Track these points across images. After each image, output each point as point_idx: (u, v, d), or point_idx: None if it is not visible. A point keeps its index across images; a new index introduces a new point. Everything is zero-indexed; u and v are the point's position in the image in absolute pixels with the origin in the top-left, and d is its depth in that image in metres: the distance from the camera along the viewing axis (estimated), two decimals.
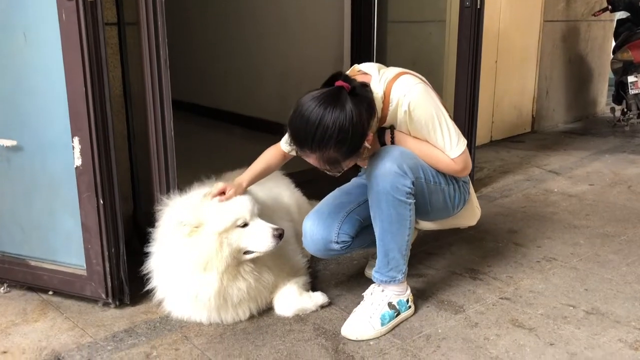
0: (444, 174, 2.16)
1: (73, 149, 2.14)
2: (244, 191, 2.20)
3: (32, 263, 2.38)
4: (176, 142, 2.28)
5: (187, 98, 5.98)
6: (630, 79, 4.68)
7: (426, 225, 2.45)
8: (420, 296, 2.36)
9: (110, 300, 2.27)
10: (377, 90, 2.06)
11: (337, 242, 2.19)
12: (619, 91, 5.06)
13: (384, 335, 2.10)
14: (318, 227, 2.21)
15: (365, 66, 2.19)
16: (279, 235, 2.10)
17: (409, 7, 4.35)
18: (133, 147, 2.82)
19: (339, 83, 1.92)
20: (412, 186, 2.03)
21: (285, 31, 5.10)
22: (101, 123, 2.12)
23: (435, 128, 2.06)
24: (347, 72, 2.19)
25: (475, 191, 2.53)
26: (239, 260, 2.11)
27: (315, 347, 2.03)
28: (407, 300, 2.19)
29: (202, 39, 5.98)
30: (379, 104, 2.06)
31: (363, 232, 2.27)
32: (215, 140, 5.34)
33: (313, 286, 2.42)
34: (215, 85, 5.89)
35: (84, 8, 1.99)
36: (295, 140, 1.95)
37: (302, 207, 2.77)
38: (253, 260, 2.15)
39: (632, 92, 4.71)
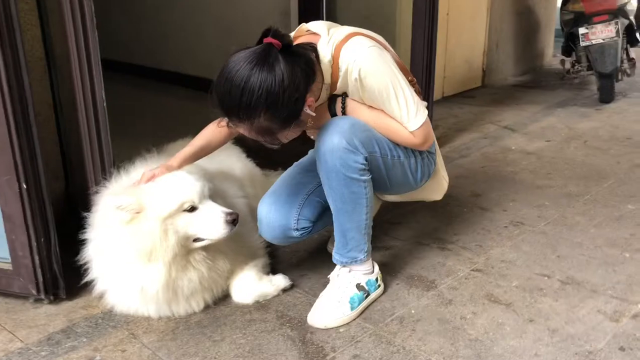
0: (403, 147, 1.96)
1: None
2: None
3: None
4: (109, 108, 1.98)
5: (120, 57, 5.52)
6: (581, 30, 4.58)
7: (388, 197, 2.27)
8: (388, 272, 2.19)
9: (42, 296, 2.00)
10: (325, 54, 1.82)
11: (297, 229, 1.99)
12: (569, 43, 4.97)
13: (354, 319, 1.92)
14: (275, 214, 1.99)
15: (314, 25, 1.92)
16: (233, 221, 1.86)
17: None
18: (60, 117, 2.48)
19: (267, 40, 1.66)
20: (364, 162, 1.82)
21: None
22: (17, 93, 1.80)
23: (390, 97, 1.82)
24: (294, 33, 1.93)
25: None
26: (188, 248, 1.87)
27: (280, 339, 1.84)
28: (377, 280, 2.02)
29: None
30: (327, 69, 1.83)
31: (324, 215, 2.06)
32: (155, 103, 4.95)
33: (273, 268, 2.21)
34: (152, 42, 5.44)
35: None
36: (221, 107, 1.69)
37: (255, 179, 2.53)
38: (205, 248, 1.91)
39: (582, 44, 4.62)
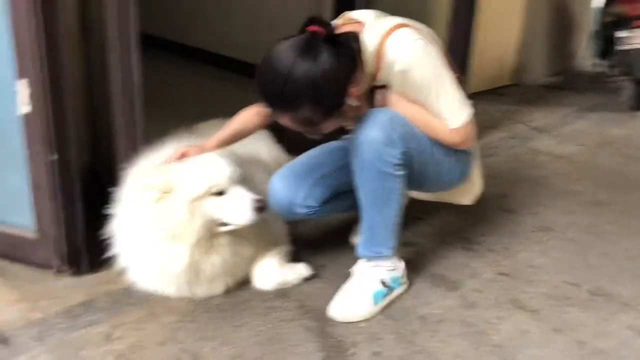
0: (442, 144, 1.91)
1: (19, 94, 1.79)
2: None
3: None
4: (145, 84, 1.96)
5: (160, 33, 5.47)
6: (621, 34, 4.46)
7: (417, 194, 2.23)
8: (411, 269, 2.15)
9: (65, 268, 1.99)
10: (369, 43, 1.78)
11: (303, 206, 1.97)
12: (606, 46, 4.85)
13: (376, 315, 1.89)
14: (284, 187, 1.98)
15: (360, 13, 1.88)
16: (260, 208, 1.83)
17: None
18: (92, 88, 2.47)
19: (311, 28, 1.62)
20: (401, 157, 1.78)
21: None
22: (54, 62, 1.77)
23: (432, 93, 1.78)
24: (338, 21, 1.89)
25: None
26: (213, 232, 1.85)
27: (300, 329, 1.82)
28: (401, 277, 1.98)
29: None
30: (370, 60, 1.78)
31: (338, 199, 2.04)
32: (192, 83, 4.89)
33: (294, 256, 2.18)
34: (182, 17, 5.39)
35: None
36: (264, 97, 1.67)
37: (283, 165, 2.49)
38: (229, 232, 1.88)
39: (621, 47, 4.50)
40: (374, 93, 1.85)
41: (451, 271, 2.18)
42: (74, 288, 1.97)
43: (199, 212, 1.80)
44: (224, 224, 1.85)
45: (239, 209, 1.83)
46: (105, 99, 2.05)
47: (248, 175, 2.11)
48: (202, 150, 1.90)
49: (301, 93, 1.59)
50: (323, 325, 1.84)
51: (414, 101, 1.82)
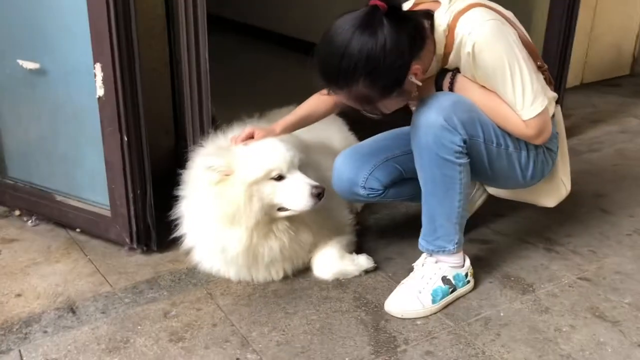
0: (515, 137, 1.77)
1: (95, 77, 1.89)
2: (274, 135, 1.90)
3: (58, 198, 2.21)
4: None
5: (245, 19, 5.59)
6: None
7: (493, 191, 2.10)
8: (483, 268, 2.03)
9: (135, 246, 2.08)
10: (441, 22, 1.67)
11: (364, 187, 1.90)
12: None
13: (435, 313, 1.80)
14: (347, 166, 1.92)
15: None
16: (318, 194, 1.80)
17: None
18: (176, 74, 2.55)
19: (373, 2, 1.54)
20: (462, 144, 1.66)
21: None
22: (126, 48, 1.85)
23: (506, 78, 1.64)
24: None
25: None
26: (272, 216, 1.84)
27: (352, 322, 1.77)
28: (466, 275, 1.87)
29: None
30: (441, 39, 1.68)
31: (402, 185, 1.97)
32: (272, 66, 4.95)
33: (360, 245, 2.13)
34: (272, 4, 5.44)
35: None
36: (320, 72, 1.62)
37: None
38: (289, 218, 1.87)
39: None
40: (442, 76, 1.75)
41: (527, 273, 2.02)
42: (142, 265, 2.05)
43: (257, 195, 1.79)
44: (283, 209, 1.84)
45: (297, 194, 1.81)
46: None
47: (315, 161, 2.09)
48: (268, 132, 1.90)
49: (357, 68, 1.53)
50: (377, 320, 1.77)
51: (485, 87, 1.70)
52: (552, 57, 3.02)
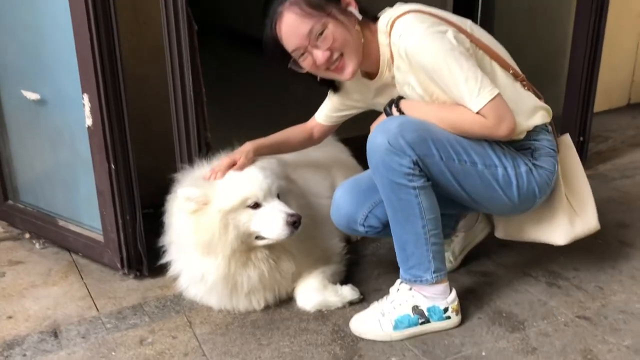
0: (488, 148, 1.68)
1: (84, 107, 1.95)
2: (252, 159, 1.89)
3: (60, 222, 2.29)
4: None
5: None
6: None
7: (502, 234, 1.99)
8: (474, 302, 1.93)
9: (126, 271, 2.11)
10: (382, 26, 1.72)
11: (363, 225, 1.85)
12: None
13: (398, 341, 1.74)
14: (346, 201, 1.87)
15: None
16: (294, 223, 1.77)
17: None
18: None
19: None
20: (412, 165, 1.60)
21: None
22: (111, 79, 1.90)
23: (444, 74, 1.58)
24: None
25: (589, 168, 1.92)
26: (250, 245, 1.83)
27: (325, 356, 1.71)
28: (446, 309, 1.78)
29: None
30: (384, 44, 1.71)
31: None
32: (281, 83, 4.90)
33: (351, 275, 2.09)
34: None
35: None
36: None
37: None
38: (268, 247, 1.85)
39: None
40: (389, 105, 1.74)
41: (521, 309, 1.91)
42: (132, 290, 2.08)
43: (233, 224, 1.79)
44: (260, 238, 1.82)
45: (272, 222, 1.79)
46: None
47: (305, 187, 2.09)
48: (245, 150, 1.90)
49: None
50: (351, 355, 1.71)
51: (435, 98, 1.67)
52: (578, 74, 2.89)
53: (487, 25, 3.45)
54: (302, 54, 1.68)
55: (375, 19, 1.74)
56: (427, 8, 1.71)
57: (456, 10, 3.53)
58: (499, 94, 1.59)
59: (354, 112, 2.02)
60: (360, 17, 1.70)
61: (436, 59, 1.58)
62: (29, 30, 2.08)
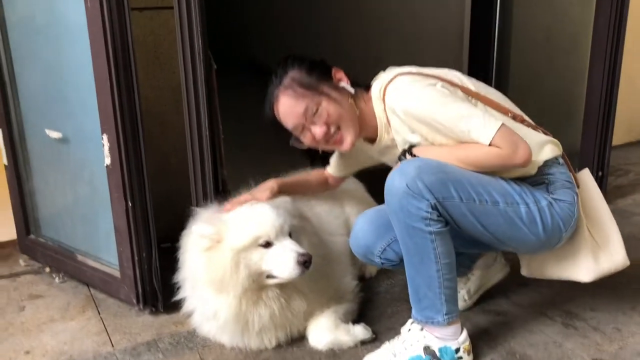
0: (508, 186, 1.68)
1: (103, 147, 2.00)
2: (276, 195, 1.95)
3: (79, 257, 2.33)
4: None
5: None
6: None
7: (526, 271, 1.95)
8: (488, 343, 1.91)
9: (142, 307, 2.14)
10: (375, 91, 1.81)
11: (380, 257, 1.87)
12: None
13: None
14: (366, 232, 1.89)
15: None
16: (304, 262, 1.78)
17: None
18: None
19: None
20: (430, 210, 1.59)
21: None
22: (129, 120, 1.95)
23: (445, 120, 1.62)
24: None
25: (608, 203, 1.85)
26: (261, 283, 1.84)
27: None
28: (458, 350, 1.76)
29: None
30: (379, 109, 1.79)
31: None
32: None
33: (364, 313, 2.08)
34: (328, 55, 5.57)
35: None
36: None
37: None
38: (280, 286, 1.86)
39: None
40: (403, 153, 1.77)
41: (536, 350, 1.88)
42: (148, 326, 2.11)
43: (244, 262, 1.80)
44: (272, 277, 1.84)
45: (283, 262, 1.80)
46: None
47: (318, 225, 2.12)
48: (269, 186, 1.99)
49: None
50: None
51: (444, 144, 1.70)
52: (596, 106, 2.87)
53: (503, 57, 3.48)
54: (302, 131, 1.78)
55: (368, 87, 1.83)
56: (416, 68, 1.78)
57: (472, 42, 3.55)
58: (504, 124, 1.60)
59: (365, 167, 2.11)
60: (352, 90, 1.79)
61: (434, 107, 1.62)
62: (52, 72, 2.15)
